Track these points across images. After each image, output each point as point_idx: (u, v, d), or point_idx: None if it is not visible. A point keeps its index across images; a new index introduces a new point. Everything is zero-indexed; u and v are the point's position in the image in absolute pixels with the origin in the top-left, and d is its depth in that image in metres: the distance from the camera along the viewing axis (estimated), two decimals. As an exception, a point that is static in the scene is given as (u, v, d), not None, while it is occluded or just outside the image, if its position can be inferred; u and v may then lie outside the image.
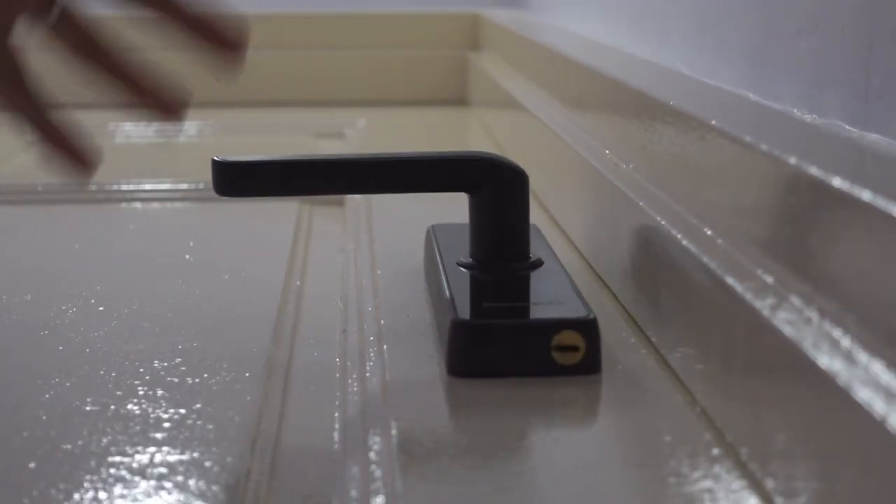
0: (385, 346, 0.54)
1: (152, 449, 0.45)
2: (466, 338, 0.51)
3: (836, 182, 0.39)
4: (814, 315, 0.39)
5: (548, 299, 0.54)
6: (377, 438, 0.45)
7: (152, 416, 0.48)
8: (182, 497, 0.41)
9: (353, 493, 0.41)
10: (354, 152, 0.66)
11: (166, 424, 0.47)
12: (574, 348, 0.51)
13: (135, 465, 0.43)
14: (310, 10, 1.43)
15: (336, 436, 0.46)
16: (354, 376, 0.52)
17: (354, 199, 0.85)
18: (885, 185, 0.37)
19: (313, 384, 0.52)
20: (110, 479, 0.42)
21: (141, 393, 0.50)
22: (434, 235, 0.64)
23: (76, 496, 0.41)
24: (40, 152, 0.52)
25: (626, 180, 0.61)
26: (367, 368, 0.52)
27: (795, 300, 0.40)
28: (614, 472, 0.43)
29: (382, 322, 0.58)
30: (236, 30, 0.52)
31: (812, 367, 0.36)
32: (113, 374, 0.53)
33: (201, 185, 0.91)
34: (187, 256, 0.75)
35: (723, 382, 0.45)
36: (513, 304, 0.54)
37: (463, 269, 0.58)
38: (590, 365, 0.51)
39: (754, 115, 0.58)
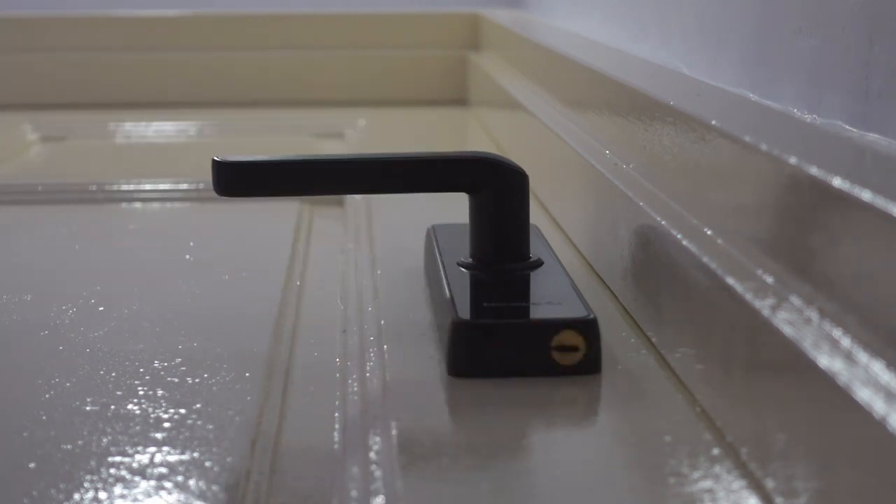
0: (385, 346, 0.54)
1: (152, 449, 0.45)
2: (466, 338, 0.51)
3: (836, 182, 0.39)
4: (814, 315, 0.39)
5: (548, 299, 0.54)
6: (377, 438, 0.45)
7: (152, 416, 0.48)
8: (182, 497, 0.41)
9: (353, 493, 0.41)
10: (354, 152, 0.66)
11: (166, 424, 0.47)
12: (574, 348, 0.51)
13: (135, 465, 0.43)
14: (310, 10, 1.43)
15: (336, 436, 0.46)
16: (354, 376, 0.52)
17: (354, 199, 0.85)
18: (885, 185, 0.37)
19: (313, 384, 0.52)
20: (110, 479, 0.42)
21: (141, 393, 0.50)
22: (434, 235, 0.64)
23: (76, 496, 0.41)
24: None
25: (626, 180, 0.61)
26: (367, 368, 0.52)
27: (795, 300, 0.40)
28: (614, 472, 0.43)
29: (382, 322, 0.58)
30: None
31: (812, 367, 0.36)
32: (113, 374, 0.53)
33: (201, 185, 0.91)
34: (187, 256, 0.75)
35: (723, 382, 0.45)
36: (513, 304, 0.54)
37: (463, 269, 0.58)
38: (590, 365, 0.51)
39: (754, 115, 0.58)
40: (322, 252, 0.75)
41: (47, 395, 0.51)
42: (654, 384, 0.50)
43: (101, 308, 0.63)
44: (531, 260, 0.59)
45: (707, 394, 0.46)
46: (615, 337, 0.55)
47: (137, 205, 0.91)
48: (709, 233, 0.50)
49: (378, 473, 0.42)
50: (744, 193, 0.47)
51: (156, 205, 0.91)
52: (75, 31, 1.39)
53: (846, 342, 0.37)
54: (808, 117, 0.58)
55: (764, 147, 0.45)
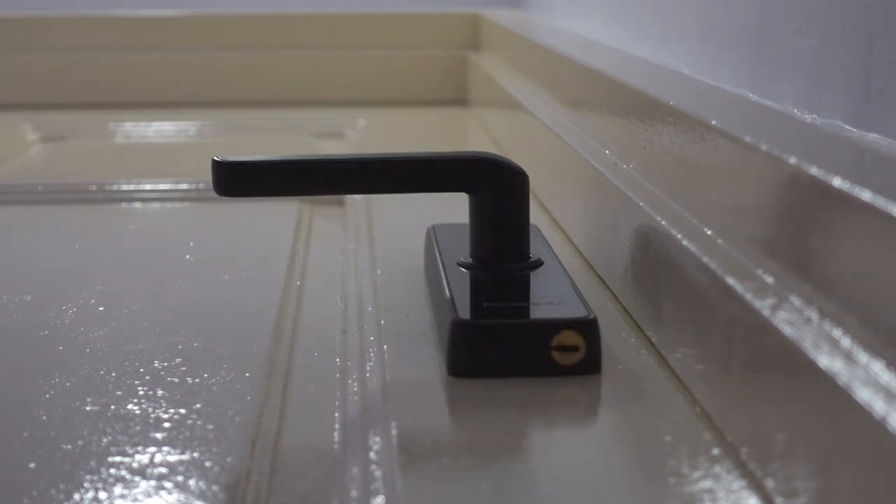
0: (385, 346, 0.54)
1: (152, 449, 0.45)
2: (466, 338, 0.51)
3: (836, 182, 0.39)
4: (814, 315, 0.39)
5: (548, 299, 0.54)
6: (377, 438, 0.45)
7: (152, 416, 0.48)
8: (182, 497, 0.41)
9: (353, 493, 0.41)
10: (354, 152, 0.66)
11: (166, 424, 0.47)
12: (574, 348, 0.51)
13: (135, 465, 0.43)
14: (310, 10, 1.43)
15: (336, 436, 0.46)
16: (354, 376, 0.52)
17: (354, 199, 0.85)
18: (885, 185, 0.37)
19: (313, 384, 0.52)
20: (110, 479, 0.42)
21: (141, 393, 0.50)
22: (434, 235, 0.64)
23: (76, 496, 0.41)
24: None
25: (626, 180, 0.61)
26: (367, 368, 0.52)
27: (795, 300, 0.40)
28: (614, 472, 0.43)
29: (382, 322, 0.58)
30: None
31: (812, 367, 0.36)
32: (113, 374, 0.53)
33: (201, 185, 0.91)
34: (187, 256, 0.75)
35: (723, 382, 0.45)
36: (513, 304, 0.54)
37: (463, 269, 0.58)
38: (590, 365, 0.51)
39: (754, 115, 0.58)
40: (322, 252, 0.75)
41: (47, 395, 0.51)
42: (654, 384, 0.50)
43: (101, 308, 0.63)
44: (531, 260, 0.59)
45: (707, 394, 0.46)
46: (615, 337, 0.55)
47: (137, 205, 0.91)
48: (709, 233, 0.50)
49: (378, 473, 0.42)
50: (744, 193, 0.47)
51: (156, 205, 0.91)
52: (75, 31, 1.39)
53: (846, 342, 0.37)
54: (808, 117, 0.58)
55: (764, 147, 0.45)
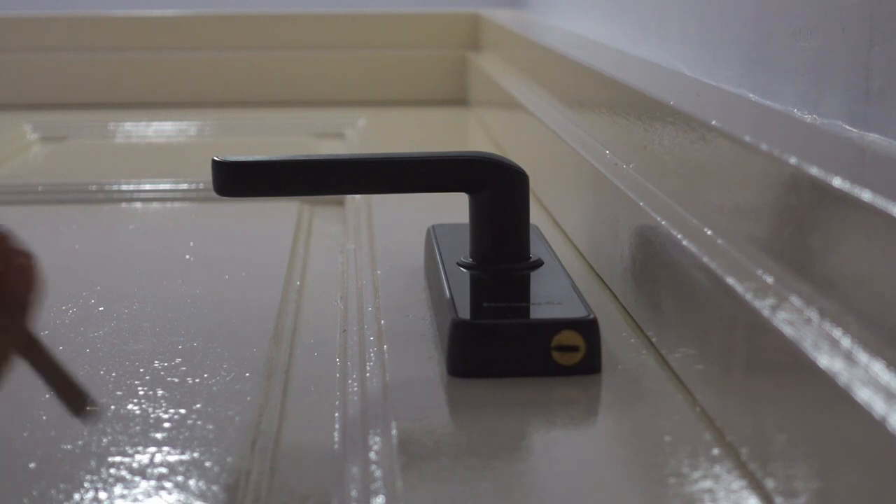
0: (385, 346, 0.54)
1: (152, 449, 0.45)
2: (466, 338, 0.51)
3: (836, 182, 0.39)
4: (814, 315, 0.39)
5: (548, 299, 0.54)
6: (377, 438, 0.45)
7: (152, 416, 0.48)
8: (182, 497, 0.41)
9: (353, 493, 0.41)
10: (354, 152, 0.66)
11: (166, 424, 0.47)
12: (574, 348, 0.51)
13: (135, 465, 0.44)
14: (310, 10, 1.43)
15: (336, 436, 0.46)
16: (354, 376, 0.52)
17: (354, 199, 0.85)
18: (885, 185, 0.37)
19: (313, 384, 0.52)
20: (110, 479, 0.42)
21: (141, 393, 0.50)
22: (434, 235, 0.64)
23: (76, 496, 0.41)
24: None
25: (626, 180, 0.61)
26: (367, 368, 0.52)
27: (795, 300, 0.40)
28: (614, 472, 0.43)
29: (382, 322, 0.58)
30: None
31: (812, 367, 0.36)
32: (113, 374, 0.53)
33: (201, 185, 0.91)
34: (187, 256, 0.75)
35: (723, 382, 0.45)
36: (513, 304, 0.54)
37: (463, 269, 0.58)
38: (590, 365, 0.51)
39: (754, 115, 0.58)
40: (322, 252, 0.75)
41: (47, 395, 0.51)
42: (654, 384, 0.50)
43: (101, 308, 0.63)
44: (531, 260, 0.59)
45: (707, 394, 0.46)
46: (615, 337, 0.55)
47: (137, 205, 0.91)
48: (709, 233, 0.50)
49: (378, 473, 0.42)
50: (744, 193, 0.47)
51: (156, 205, 0.91)
52: (75, 31, 1.39)
53: (846, 342, 0.37)
54: (808, 117, 0.58)
55: (764, 147, 0.45)
